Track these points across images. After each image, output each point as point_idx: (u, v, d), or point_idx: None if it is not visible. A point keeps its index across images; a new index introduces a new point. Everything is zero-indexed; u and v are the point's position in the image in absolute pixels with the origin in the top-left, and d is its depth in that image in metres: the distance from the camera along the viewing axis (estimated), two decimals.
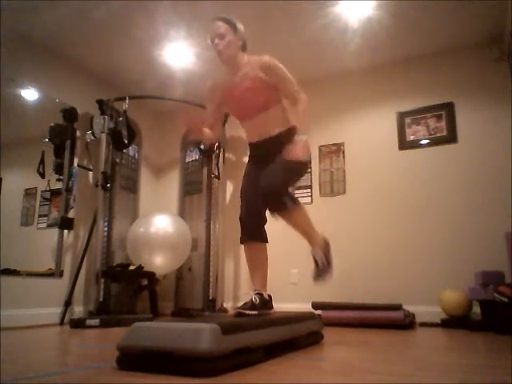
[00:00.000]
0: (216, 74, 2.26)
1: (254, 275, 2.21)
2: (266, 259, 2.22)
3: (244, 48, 2.17)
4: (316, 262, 2.16)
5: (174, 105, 4.78)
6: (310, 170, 4.12)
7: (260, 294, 2.10)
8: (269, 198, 2.02)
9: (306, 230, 2.14)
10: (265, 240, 2.19)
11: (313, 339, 2.14)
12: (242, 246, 2.22)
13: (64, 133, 3.77)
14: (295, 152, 1.95)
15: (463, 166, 3.60)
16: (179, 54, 3.91)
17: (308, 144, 2.01)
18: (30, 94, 3.69)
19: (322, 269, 2.14)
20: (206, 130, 2.25)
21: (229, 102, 2.23)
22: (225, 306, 4.15)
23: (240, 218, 2.18)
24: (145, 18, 3.39)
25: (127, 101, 4.00)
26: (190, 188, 4.56)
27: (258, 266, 2.20)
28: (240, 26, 2.14)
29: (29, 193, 3.65)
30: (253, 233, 2.16)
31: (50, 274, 3.58)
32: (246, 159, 4.37)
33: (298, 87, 2.12)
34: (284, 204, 2.01)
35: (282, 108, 2.18)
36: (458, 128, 3.68)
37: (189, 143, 4.67)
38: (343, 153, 4.12)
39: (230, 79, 2.16)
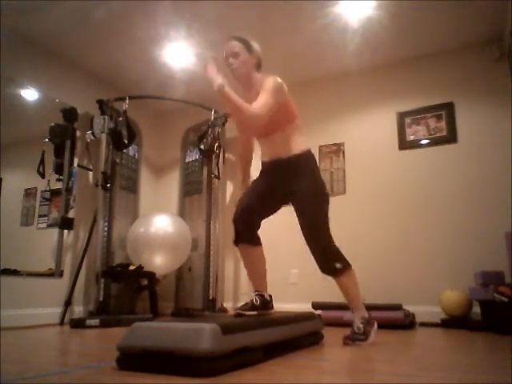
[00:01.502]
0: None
1: (251, 277, 2.22)
2: (263, 260, 2.23)
3: (258, 67, 2.18)
4: (352, 327, 2.15)
5: (174, 105, 4.78)
6: None
7: (261, 295, 2.11)
8: (320, 263, 2.09)
9: (351, 294, 2.16)
10: (257, 243, 2.20)
11: (313, 339, 2.14)
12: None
13: (64, 133, 3.77)
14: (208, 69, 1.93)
15: (463, 166, 3.60)
16: (179, 54, 3.90)
17: (215, 82, 1.89)
18: (29, 94, 3.69)
19: (357, 335, 2.11)
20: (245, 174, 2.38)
21: (241, 125, 2.30)
22: (225, 305, 4.15)
23: (233, 220, 2.20)
24: (145, 18, 3.39)
25: (127, 101, 3.99)
26: (189, 188, 4.56)
27: (254, 267, 2.21)
28: (255, 45, 2.15)
29: (29, 193, 3.65)
30: (244, 237, 2.18)
31: (50, 274, 3.58)
32: None
33: (267, 106, 1.98)
34: (337, 269, 2.09)
35: (295, 129, 2.17)
36: (458, 128, 3.68)
37: (189, 144, 4.67)
38: (343, 153, 4.12)
39: (244, 98, 2.16)
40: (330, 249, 2.11)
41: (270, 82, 2.03)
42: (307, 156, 2.18)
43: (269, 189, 2.20)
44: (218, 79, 1.90)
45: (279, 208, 2.26)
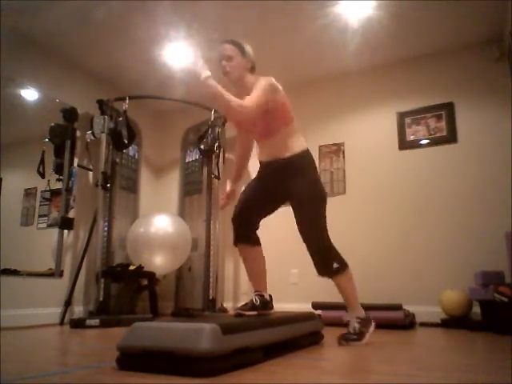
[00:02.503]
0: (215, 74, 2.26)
1: (250, 277, 2.23)
2: (262, 260, 2.23)
3: (253, 70, 2.18)
4: (348, 327, 2.15)
5: (174, 105, 4.78)
6: None
7: (261, 295, 2.11)
8: (318, 263, 2.09)
9: (348, 295, 2.16)
10: (255, 244, 2.21)
11: (313, 339, 2.14)
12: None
13: (64, 133, 3.77)
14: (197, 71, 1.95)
15: (463, 166, 3.60)
16: (179, 54, 3.91)
17: (202, 79, 1.93)
18: (30, 94, 3.69)
19: (352, 335, 2.10)
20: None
21: (239, 128, 2.29)
22: (225, 305, 4.15)
23: (232, 221, 2.21)
24: (145, 18, 3.39)
25: (127, 101, 3.99)
26: (189, 188, 4.56)
27: (254, 267, 2.21)
28: (248, 49, 2.15)
29: (29, 193, 3.65)
30: (243, 236, 2.19)
31: (50, 274, 3.58)
32: None
33: (256, 102, 1.98)
34: (333, 269, 2.08)
35: (292, 130, 2.18)
36: (458, 128, 3.68)
37: (189, 144, 4.67)
38: (343, 153, 4.12)
39: None
40: (327, 248, 2.11)
41: (262, 81, 2.05)
42: (305, 156, 2.18)
43: (267, 189, 2.20)
44: (205, 71, 1.92)
45: (278, 208, 2.27)
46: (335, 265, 2.09)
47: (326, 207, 2.15)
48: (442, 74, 3.84)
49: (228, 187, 2.42)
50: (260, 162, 2.28)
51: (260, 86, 2.02)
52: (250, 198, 2.20)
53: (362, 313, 2.18)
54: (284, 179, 2.15)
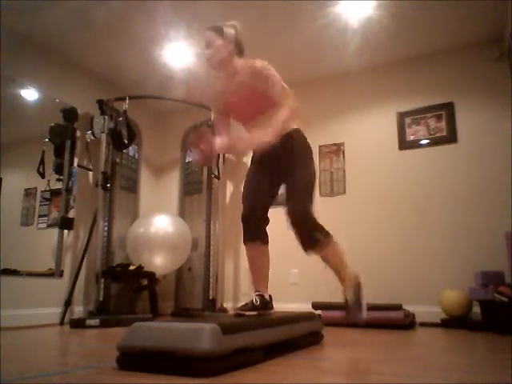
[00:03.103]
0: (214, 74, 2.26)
1: (254, 276, 2.21)
2: (268, 260, 2.22)
3: (240, 52, 2.14)
4: (346, 301, 2.14)
5: (174, 105, 4.78)
6: None
7: (261, 295, 2.11)
8: (300, 233, 2.05)
9: (337, 265, 2.14)
10: (266, 241, 2.18)
11: (313, 339, 2.14)
12: (243, 246, 2.22)
13: (64, 133, 3.77)
14: (249, 141, 1.96)
15: (463, 166, 3.60)
16: (179, 54, 3.91)
17: (257, 143, 1.94)
18: (30, 94, 3.69)
19: (353, 309, 2.10)
20: (218, 140, 2.22)
21: (228, 108, 2.24)
22: (225, 305, 4.15)
23: (242, 218, 2.17)
24: (145, 18, 3.39)
25: (127, 101, 4.00)
26: (189, 188, 4.56)
27: (259, 267, 2.19)
28: (229, 30, 2.09)
29: (29, 193, 3.65)
30: (254, 234, 2.15)
31: (50, 274, 3.58)
32: (246, 159, 4.38)
33: (288, 92, 2.03)
34: (317, 239, 2.04)
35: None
36: (458, 128, 3.68)
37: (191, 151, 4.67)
38: (343, 153, 4.12)
39: (227, 85, 2.15)
40: (311, 221, 2.06)
41: (262, 70, 2.02)
42: (298, 134, 2.14)
43: (265, 175, 2.17)
44: (262, 135, 1.92)
45: (278, 190, 2.24)
46: (319, 235, 2.05)
47: (314, 185, 2.14)
48: (442, 73, 3.84)
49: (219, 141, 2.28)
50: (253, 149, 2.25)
51: (270, 77, 2.01)
52: (256, 193, 2.16)
53: (352, 279, 2.16)
54: (277, 160, 2.11)
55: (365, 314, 2.11)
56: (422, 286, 3.51)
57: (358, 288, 2.15)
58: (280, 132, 1.95)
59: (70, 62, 4.01)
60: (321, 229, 2.08)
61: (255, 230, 2.15)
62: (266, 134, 1.92)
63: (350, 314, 2.11)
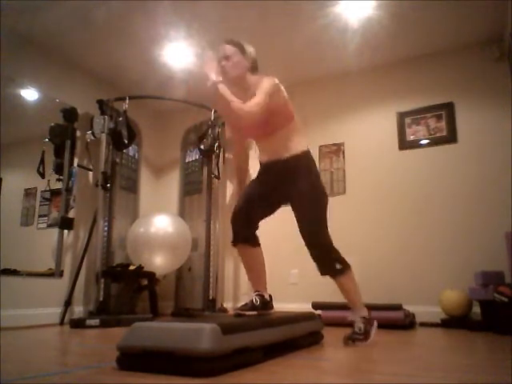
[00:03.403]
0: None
1: (250, 277, 2.22)
2: (262, 260, 2.22)
3: (254, 70, 2.16)
4: (353, 327, 2.15)
5: (174, 105, 4.78)
6: None
7: (261, 295, 2.11)
8: (320, 264, 2.10)
9: (351, 295, 2.17)
10: (254, 244, 2.20)
11: (313, 339, 2.14)
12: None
13: (64, 133, 3.77)
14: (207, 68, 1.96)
15: (463, 166, 3.60)
16: (179, 54, 3.91)
17: (213, 84, 1.93)
18: (30, 94, 3.69)
19: (358, 335, 2.10)
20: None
21: (238, 127, 2.27)
22: (225, 305, 4.15)
23: (231, 221, 2.19)
24: (145, 18, 3.39)
25: (127, 101, 3.99)
26: (189, 188, 4.56)
27: (253, 267, 2.20)
28: (249, 48, 2.14)
29: (29, 193, 3.65)
30: (243, 237, 2.18)
31: (50, 274, 3.58)
32: None
33: (260, 103, 1.97)
34: (335, 269, 2.09)
35: (293, 129, 2.16)
36: (458, 128, 3.68)
37: (190, 144, 4.67)
38: (343, 153, 4.12)
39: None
40: (330, 250, 2.11)
41: (265, 82, 2.03)
42: (306, 156, 2.17)
43: (267, 189, 2.19)
44: (213, 75, 1.92)
45: (277, 208, 2.26)
46: (337, 265, 2.09)
47: (326, 208, 2.14)
48: (442, 74, 3.84)
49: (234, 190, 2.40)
50: (260, 163, 2.28)
51: (264, 88, 2.01)
52: (249, 199, 2.19)
53: (366, 312, 2.18)
54: (284, 181, 2.15)
55: (370, 340, 2.12)
56: (422, 286, 3.51)
57: (370, 322, 2.17)
58: (221, 95, 1.93)
59: (70, 61, 4.01)
60: (340, 259, 2.12)
61: (241, 235, 2.17)
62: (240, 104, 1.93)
63: (354, 336, 2.10)
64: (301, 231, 2.12)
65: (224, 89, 1.92)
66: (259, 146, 2.26)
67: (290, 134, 2.15)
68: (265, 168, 2.24)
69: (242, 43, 2.13)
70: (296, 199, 2.13)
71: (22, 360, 1.71)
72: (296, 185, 2.12)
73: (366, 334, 2.11)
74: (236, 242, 2.19)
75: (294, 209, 2.15)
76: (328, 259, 2.10)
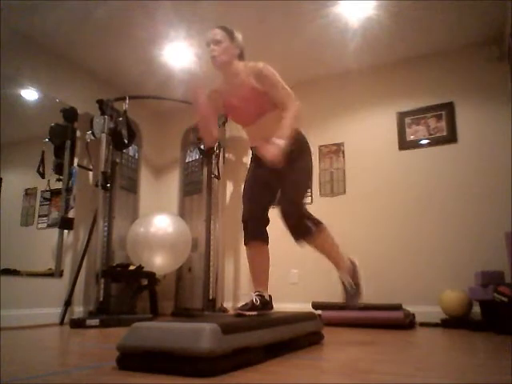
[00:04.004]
0: (215, 74, 2.26)
1: (255, 276, 2.21)
2: (268, 260, 2.22)
3: (241, 57, 2.17)
4: (345, 286, 2.17)
5: (174, 105, 4.78)
6: None
7: (261, 295, 2.11)
8: (290, 223, 2.07)
9: (331, 253, 2.17)
10: (266, 241, 2.19)
11: (313, 339, 2.14)
12: (243, 246, 2.22)
13: (64, 133, 3.77)
14: (265, 150, 1.94)
15: (463, 166, 3.60)
16: (179, 54, 3.91)
17: (281, 149, 1.93)
18: (29, 94, 3.69)
19: (352, 294, 2.13)
20: (214, 131, 2.24)
21: (228, 110, 2.26)
22: (225, 305, 4.15)
23: (243, 220, 2.18)
24: (145, 18, 3.39)
25: (127, 101, 4.00)
26: (189, 188, 4.56)
27: (260, 267, 2.20)
28: (238, 35, 2.15)
29: (29, 193, 3.65)
30: (255, 234, 2.16)
31: (49, 274, 3.58)
32: (245, 159, 4.37)
33: (291, 94, 2.07)
34: (308, 228, 2.07)
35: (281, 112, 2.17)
36: (457, 128, 3.68)
37: (190, 143, 4.67)
38: (343, 153, 4.12)
39: (228, 87, 2.17)
40: (303, 212, 2.08)
41: (266, 71, 2.05)
42: (297, 135, 2.14)
43: (265, 177, 2.18)
44: (280, 141, 1.93)
45: (278, 191, 2.24)
46: (311, 226, 2.07)
47: (310, 180, 2.18)
48: (442, 73, 3.84)
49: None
50: (251, 148, 2.26)
51: (273, 78, 2.04)
52: (257, 194, 2.17)
53: (348, 265, 2.19)
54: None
55: (361, 295, 2.16)
56: (422, 286, 3.51)
57: (354, 271, 2.19)
58: (292, 134, 1.97)
59: (70, 61, 4.01)
60: (311, 217, 2.10)
61: (255, 231, 2.16)
62: (278, 142, 1.93)
63: (349, 299, 2.14)
64: (281, 201, 2.09)
65: (287, 129, 1.97)
66: (249, 132, 2.24)
67: (279, 116, 2.12)
68: (256, 152, 2.20)
69: (231, 30, 2.14)
70: (289, 177, 2.12)
71: (22, 360, 1.71)
72: (289, 162, 2.08)
73: (357, 288, 2.15)
74: (251, 240, 2.16)
75: (283, 182, 2.14)
76: (301, 222, 2.07)
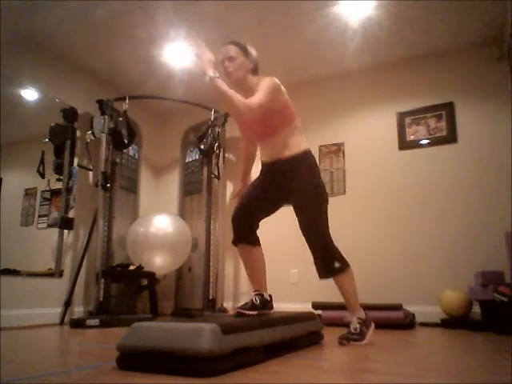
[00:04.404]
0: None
1: (250, 276, 2.23)
2: (262, 260, 2.23)
3: (255, 71, 2.17)
4: (348, 327, 2.16)
5: (174, 105, 4.78)
6: None
7: (260, 295, 2.11)
8: (320, 263, 2.11)
9: (349, 296, 2.17)
10: (255, 243, 2.21)
11: (313, 339, 2.14)
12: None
13: (64, 133, 3.77)
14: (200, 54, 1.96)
15: (463, 166, 3.60)
16: (179, 54, 3.91)
17: (206, 71, 1.90)
18: (29, 94, 3.69)
19: (353, 335, 2.11)
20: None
21: (241, 126, 2.27)
22: (225, 305, 4.15)
23: (232, 220, 2.21)
24: (145, 17, 3.39)
25: (127, 101, 3.99)
26: (189, 188, 4.56)
27: (254, 267, 2.21)
28: (252, 50, 2.15)
29: (29, 193, 3.64)
30: (243, 237, 2.18)
31: (49, 274, 3.58)
32: None
33: (264, 101, 1.98)
34: (335, 269, 2.10)
35: (294, 129, 2.17)
36: (457, 128, 3.68)
37: (190, 144, 4.67)
38: (343, 153, 4.12)
39: None
40: (329, 248, 2.12)
41: (266, 82, 2.05)
42: (307, 156, 2.18)
43: (268, 189, 2.20)
44: (210, 70, 1.90)
45: (278, 208, 2.27)
46: (337, 264, 2.10)
47: (327, 208, 2.15)
48: (442, 74, 3.84)
49: (237, 187, 2.41)
50: (261, 163, 2.29)
51: (264, 86, 2.02)
52: (250, 199, 2.20)
53: (362, 313, 2.19)
54: (286, 179, 2.16)
55: (366, 341, 2.12)
56: (422, 286, 3.51)
57: (368, 324, 2.18)
58: (221, 92, 1.89)
59: (69, 61, 4.01)
60: (340, 258, 2.13)
61: (240, 235, 2.18)
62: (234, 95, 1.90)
63: (348, 336, 2.11)
64: (302, 230, 2.13)
65: (222, 83, 1.90)
66: (261, 147, 2.27)
67: (291, 134, 2.16)
68: (266, 168, 2.24)
69: (245, 45, 2.14)
70: (297, 199, 2.14)
71: (22, 360, 1.71)
72: (296, 184, 2.13)
73: (361, 335, 2.12)
74: (237, 241, 2.20)
75: (295, 208, 2.16)
76: (327, 259, 2.10)
